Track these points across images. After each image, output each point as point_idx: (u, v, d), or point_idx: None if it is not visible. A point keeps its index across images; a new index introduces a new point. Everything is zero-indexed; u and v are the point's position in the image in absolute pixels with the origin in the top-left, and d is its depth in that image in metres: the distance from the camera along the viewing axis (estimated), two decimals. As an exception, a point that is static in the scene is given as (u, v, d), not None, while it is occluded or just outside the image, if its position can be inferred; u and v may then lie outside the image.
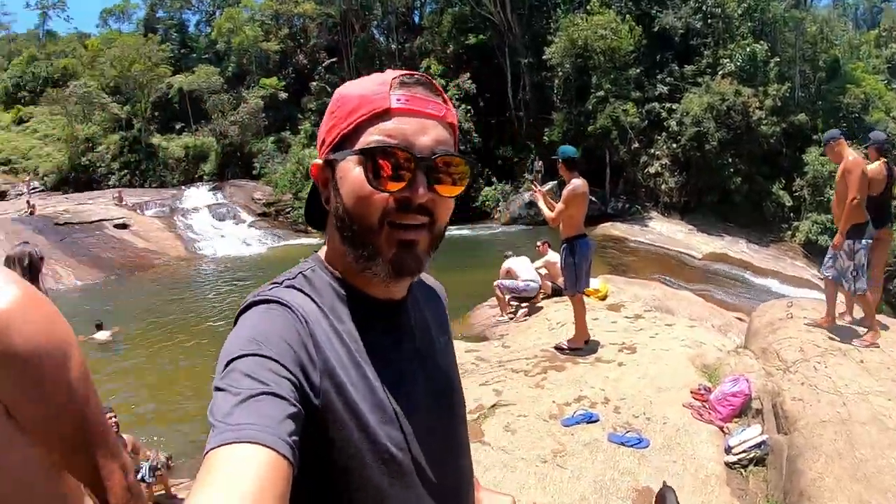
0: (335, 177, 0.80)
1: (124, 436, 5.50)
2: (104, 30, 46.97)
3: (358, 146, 0.77)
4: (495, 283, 8.19)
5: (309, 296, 0.81)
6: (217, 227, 24.66)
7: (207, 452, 0.62)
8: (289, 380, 0.70)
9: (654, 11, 24.93)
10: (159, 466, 4.67)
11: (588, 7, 24.48)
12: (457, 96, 25.11)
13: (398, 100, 0.78)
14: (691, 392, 4.57)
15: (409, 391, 0.85)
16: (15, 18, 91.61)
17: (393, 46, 33.07)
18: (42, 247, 13.62)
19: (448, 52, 28.97)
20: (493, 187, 25.54)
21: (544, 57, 24.53)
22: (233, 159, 30.53)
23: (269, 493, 0.59)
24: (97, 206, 24.73)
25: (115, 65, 34.38)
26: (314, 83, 31.79)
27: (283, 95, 31.99)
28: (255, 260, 21.66)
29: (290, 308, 0.77)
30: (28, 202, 24.65)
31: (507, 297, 8.21)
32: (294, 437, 0.65)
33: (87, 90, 33.73)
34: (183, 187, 28.96)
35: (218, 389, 0.68)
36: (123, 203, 25.17)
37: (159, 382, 9.41)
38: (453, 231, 21.17)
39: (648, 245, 19.34)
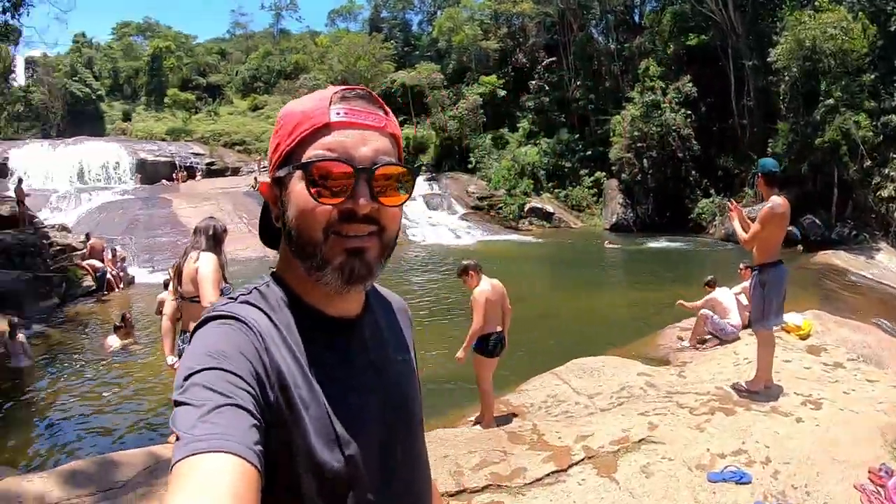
0: (283, 194, 0.95)
1: None
2: (332, 29, 60.29)
3: (295, 161, 0.93)
4: (702, 313, 8.47)
5: (264, 312, 0.95)
6: (430, 216, 30.01)
7: (175, 464, 0.72)
8: (248, 392, 0.82)
9: (891, 8, 23.99)
10: None
11: (816, 3, 24.53)
12: (676, 100, 28.33)
13: (337, 113, 0.93)
14: (869, 471, 4.37)
15: (361, 408, 0.99)
16: (252, 19, 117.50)
17: (612, 46, 36.77)
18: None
19: (668, 52, 31.24)
20: (711, 199, 27.39)
21: (769, 59, 25.35)
22: (450, 152, 37.67)
23: (243, 501, 0.70)
24: None
25: (342, 60, 44.54)
26: (533, 82, 38.05)
27: (502, 93, 38.73)
28: (462, 251, 23.93)
29: (245, 324, 0.91)
30: (255, 178, 33.33)
31: (707, 328, 8.51)
32: (259, 447, 0.77)
33: (316, 83, 43.74)
34: None
35: (179, 403, 0.79)
36: None
37: None
38: (665, 243, 24.75)
39: (872, 281, 18.46)
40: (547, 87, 37.56)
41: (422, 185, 32.96)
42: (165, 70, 57.20)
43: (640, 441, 4.81)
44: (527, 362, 8.82)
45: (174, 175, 36.39)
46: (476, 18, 43.96)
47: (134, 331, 11.13)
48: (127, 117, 54.94)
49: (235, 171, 39.85)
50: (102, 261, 16.43)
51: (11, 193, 19.14)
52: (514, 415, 6.46)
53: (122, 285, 16.65)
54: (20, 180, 21.63)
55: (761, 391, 5.67)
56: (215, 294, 4.18)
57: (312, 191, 0.90)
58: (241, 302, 0.96)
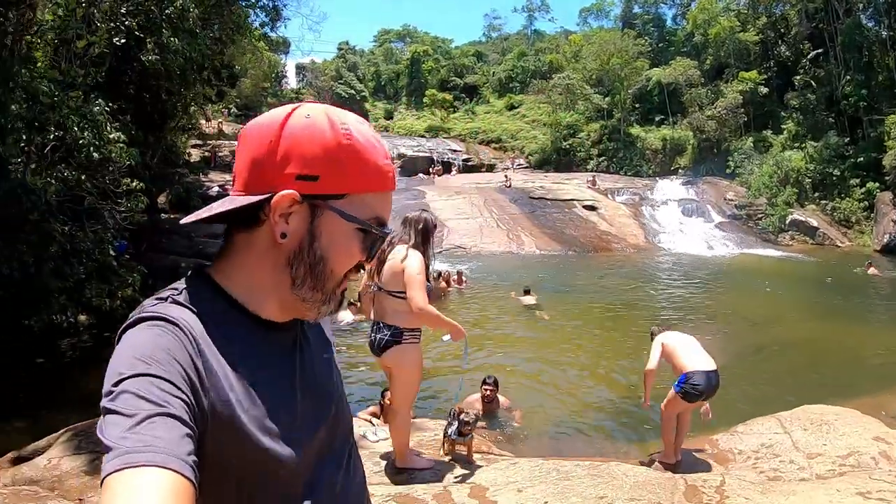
0: (314, 221, 0.96)
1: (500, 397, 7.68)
2: (584, 28, 63.23)
3: (362, 215, 0.97)
4: None
5: (195, 313, 0.94)
6: (682, 223, 29.37)
7: (106, 477, 0.71)
8: (181, 399, 0.81)
9: None
10: (469, 422, 4.78)
11: None
12: None
13: (393, 181, 1.02)
14: None
15: (294, 409, 1.02)
16: (505, 21, 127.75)
17: (884, 34, 34.14)
18: (513, 215, 29.87)
19: None
20: None
21: None
22: (708, 155, 37.85)
23: None
24: (571, 186, 32.34)
25: (595, 59, 46.43)
26: (798, 77, 36.22)
27: (764, 90, 37.92)
28: (714, 263, 23.55)
29: (177, 326, 0.90)
30: (506, 176, 34.91)
31: None
32: (193, 458, 0.77)
33: (570, 81, 46.09)
34: (657, 178, 36.48)
35: (109, 412, 0.77)
36: (596, 187, 32.85)
37: (556, 355, 10.85)
38: None
39: None
40: (813, 84, 35.74)
41: (677, 189, 33.39)
42: (424, 72, 63.11)
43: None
44: (756, 397, 8.58)
45: (430, 169, 40.06)
46: (732, 9, 43.40)
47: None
48: (389, 116, 61.63)
49: (490, 168, 43.26)
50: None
51: None
52: (709, 462, 5.98)
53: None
54: None
55: None
56: (423, 298, 4.09)
57: (366, 249, 1.00)
58: (172, 302, 0.95)
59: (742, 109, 36.87)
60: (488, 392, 7.54)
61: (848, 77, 34.07)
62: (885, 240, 26.39)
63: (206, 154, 29.67)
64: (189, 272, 1.05)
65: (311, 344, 1.14)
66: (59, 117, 8.83)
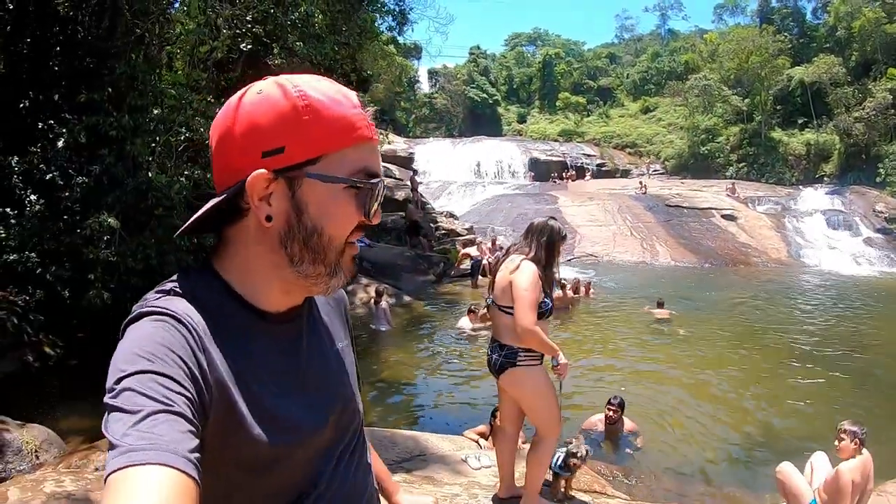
0: (296, 194, 0.93)
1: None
2: (720, 25, 61.67)
3: (344, 173, 0.93)
4: None
5: (198, 306, 0.93)
6: (829, 237, 27.79)
7: (109, 475, 0.72)
8: (183, 395, 0.82)
9: None
10: (578, 456, 4.36)
11: None
12: None
13: (370, 129, 0.97)
14: None
15: (299, 402, 1.01)
16: (637, 21, 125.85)
17: None
18: (648, 223, 28.92)
19: None
20: None
21: None
22: (857, 161, 36.10)
23: None
24: (709, 193, 31.43)
25: (733, 58, 44.97)
26: (955, 73, 34.32)
27: (918, 90, 35.72)
28: (862, 283, 22.02)
29: (179, 320, 0.89)
30: (640, 182, 34.57)
31: None
32: (196, 455, 0.77)
33: (707, 83, 45.15)
34: (800, 186, 35.19)
35: (112, 409, 0.78)
36: (735, 195, 31.62)
37: (681, 376, 10.16)
38: None
39: None
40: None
41: (822, 199, 31.90)
42: (556, 75, 63.45)
43: None
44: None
45: (564, 174, 40.51)
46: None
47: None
48: (522, 119, 62.99)
49: (625, 174, 43.31)
50: (481, 253, 17.56)
51: (408, 182, 23.43)
52: None
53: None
54: (415, 171, 26.98)
55: None
56: (532, 318, 3.70)
57: (362, 207, 0.95)
58: (174, 295, 0.94)
59: (893, 110, 34.98)
60: (612, 413, 7.10)
61: None
62: None
63: None
64: (193, 265, 1.03)
65: (321, 335, 1.14)
66: (184, 118, 9.17)
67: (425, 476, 4.73)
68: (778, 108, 43.33)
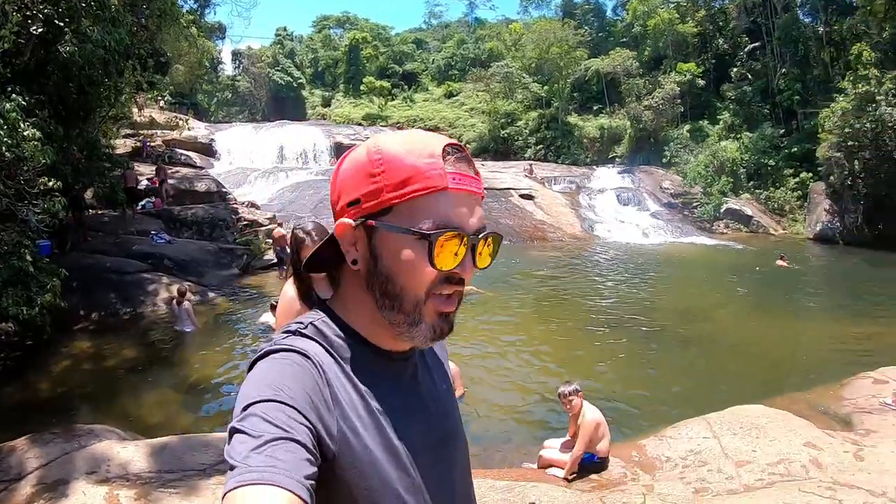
0: (373, 242, 0.99)
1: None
2: (525, 16, 62.38)
3: (412, 224, 0.95)
4: None
5: (322, 345, 1.00)
6: (619, 212, 29.84)
7: (227, 493, 0.77)
8: (305, 426, 0.87)
9: None
10: None
11: None
12: (893, 91, 25.16)
13: (453, 179, 0.96)
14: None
15: (416, 437, 1.05)
16: (446, 8, 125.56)
17: (820, 29, 34.51)
18: None
19: (884, 35, 28.66)
20: None
21: None
22: (645, 145, 37.79)
23: None
24: (508, 175, 31.96)
25: (535, 48, 45.83)
26: (734, 69, 36.94)
27: (701, 82, 38.14)
28: (650, 252, 24.05)
29: (306, 356, 0.96)
30: None
31: None
32: (311, 482, 0.81)
33: (509, 70, 45.70)
34: (594, 167, 36.56)
35: (236, 431, 0.84)
36: (533, 175, 32.51)
37: (486, 343, 10.95)
38: (874, 262, 21.61)
39: None
40: (750, 76, 36.48)
41: (614, 178, 33.47)
42: (363, 59, 62.19)
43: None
44: (685, 396, 8.51)
45: None
46: (672, 1, 43.25)
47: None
48: (327, 104, 60.94)
49: (430, 156, 42.48)
50: (282, 244, 16.95)
51: (212, 173, 22.47)
52: (637, 471, 5.81)
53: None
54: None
55: None
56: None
57: (432, 258, 0.94)
58: (299, 335, 1.01)
59: (679, 100, 36.93)
60: None
61: (783, 70, 35.01)
62: (818, 228, 26.86)
63: (137, 144, 27.89)
64: (314, 306, 1.10)
65: (432, 373, 1.18)
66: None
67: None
68: (575, 95, 44.87)
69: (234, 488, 0.76)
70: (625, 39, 46.27)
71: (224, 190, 23.16)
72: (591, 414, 5.71)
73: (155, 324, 12.12)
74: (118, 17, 11.92)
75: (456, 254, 0.96)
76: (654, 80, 39.33)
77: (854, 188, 25.68)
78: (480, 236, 1.00)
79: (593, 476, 5.61)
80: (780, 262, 20.25)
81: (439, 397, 1.16)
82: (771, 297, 16.09)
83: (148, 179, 21.46)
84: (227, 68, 63.85)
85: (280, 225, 19.78)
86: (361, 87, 58.13)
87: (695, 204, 30.84)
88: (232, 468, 0.79)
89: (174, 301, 11.87)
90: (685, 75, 37.77)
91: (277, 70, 62.06)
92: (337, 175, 1.03)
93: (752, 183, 31.35)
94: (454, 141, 1.01)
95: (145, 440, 5.42)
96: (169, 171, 22.57)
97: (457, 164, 0.98)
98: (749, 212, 29.46)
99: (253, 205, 23.55)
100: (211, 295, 14.04)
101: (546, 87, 44.73)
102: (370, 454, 0.96)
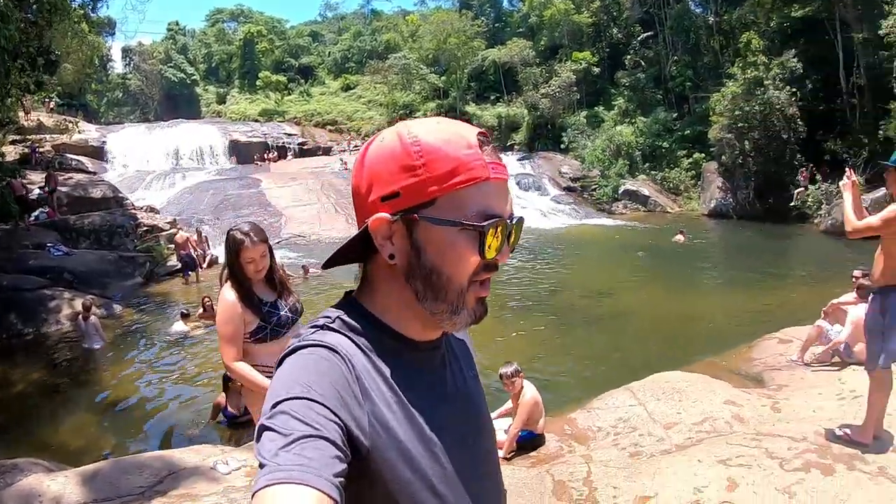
0: (414, 235, 0.96)
1: None
2: (422, 8, 61.93)
3: (458, 216, 0.94)
4: (818, 325, 7.57)
5: (350, 338, 1.00)
6: (520, 197, 29.32)
7: (256, 492, 0.76)
8: (335, 423, 0.86)
9: None
10: None
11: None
12: (780, 76, 26.15)
13: (493, 169, 0.96)
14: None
15: (447, 426, 1.04)
16: (342, 1, 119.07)
17: (710, 19, 35.02)
18: (350, 197, 26.04)
19: (771, 25, 29.59)
20: (817, 186, 24.70)
21: (881, 32, 22.76)
22: (543, 131, 38.02)
23: None
24: None
25: (432, 39, 45.72)
26: (628, 58, 37.62)
27: (596, 70, 38.74)
28: (552, 234, 24.31)
29: (335, 351, 0.95)
30: (342, 160, 34.81)
31: (827, 350, 7.31)
32: (340, 479, 0.81)
33: (406, 61, 45.39)
34: None
35: (265, 429, 0.84)
36: None
37: None
38: (763, 233, 22.72)
39: None
40: (643, 64, 37.14)
41: (513, 164, 33.35)
42: (258, 53, 60.15)
43: (714, 507, 3.99)
44: (606, 370, 8.69)
45: (265, 155, 37.82)
46: (568, -8, 43.61)
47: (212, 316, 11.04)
48: (222, 100, 58.90)
49: (327, 151, 41.32)
50: (186, 248, 16.94)
51: (106, 178, 21.09)
52: (571, 443, 5.89)
53: (204, 265, 17.25)
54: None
55: (870, 444, 4.66)
56: (231, 354, 3.33)
57: (481, 248, 0.94)
58: (328, 329, 1.00)
59: (575, 88, 37.29)
60: None
61: (675, 58, 35.66)
62: (712, 204, 27.60)
63: (26, 151, 25.78)
64: (340, 299, 1.10)
65: (460, 361, 1.18)
66: None
67: (182, 494, 4.43)
68: (472, 85, 44.80)
69: (264, 487, 0.75)
70: (521, 30, 46.20)
71: (121, 195, 22.22)
72: (530, 392, 5.89)
73: (61, 342, 11.48)
74: (6, 13, 11.36)
75: (500, 242, 0.97)
76: (550, 68, 39.42)
77: (745, 166, 26.50)
78: (513, 222, 1.00)
79: (532, 453, 5.74)
80: (678, 237, 20.57)
81: (467, 384, 1.16)
82: (674, 272, 16.58)
83: (40, 188, 19.88)
84: (118, 66, 60.83)
85: (181, 229, 19.06)
86: (257, 83, 56.25)
87: (594, 187, 31.40)
88: (261, 466, 0.78)
89: (80, 316, 11.27)
90: (581, 64, 38.03)
91: (170, 66, 60.16)
92: (363, 166, 1.00)
93: (647, 165, 31.87)
94: (483, 129, 1.01)
95: (73, 469, 5.00)
96: (60, 178, 21.32)
97: (489, 153, 0.97)
98: (646, 192, 30.01)
99: (152, 209, 22.66)
100: (116, 307, 13.51)
101: (444, 78, 44.50)
102: (403, 446, 0.96)
